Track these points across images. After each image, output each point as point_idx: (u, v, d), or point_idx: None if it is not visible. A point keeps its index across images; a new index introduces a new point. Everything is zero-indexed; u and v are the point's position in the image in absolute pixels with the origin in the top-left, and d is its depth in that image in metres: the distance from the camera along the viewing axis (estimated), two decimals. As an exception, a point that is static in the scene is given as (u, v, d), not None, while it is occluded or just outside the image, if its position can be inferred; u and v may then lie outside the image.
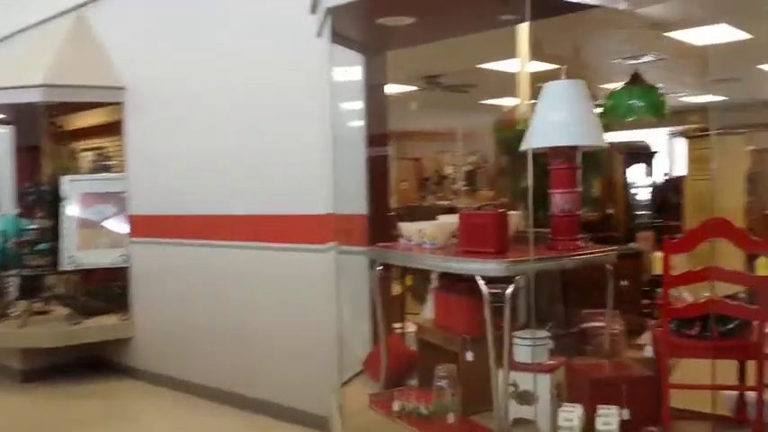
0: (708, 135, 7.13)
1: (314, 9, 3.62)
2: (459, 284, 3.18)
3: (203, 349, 5.13)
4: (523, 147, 2.96)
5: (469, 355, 2.99)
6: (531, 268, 2.61)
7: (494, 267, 2.61)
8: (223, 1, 4.95)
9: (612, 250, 2.94)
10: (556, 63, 5.55)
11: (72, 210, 5.87)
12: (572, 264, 2.76)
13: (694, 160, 7.38)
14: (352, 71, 4.21)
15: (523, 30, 5.19)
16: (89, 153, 7.10)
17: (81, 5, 6.08)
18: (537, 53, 5.17)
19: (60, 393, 5.44)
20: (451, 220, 3.25)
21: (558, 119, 2.86)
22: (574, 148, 2.89)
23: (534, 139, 2.89)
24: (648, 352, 2.84)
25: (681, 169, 8.38)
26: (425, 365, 3.33)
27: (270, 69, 4.57)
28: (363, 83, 4.26)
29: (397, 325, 4.05)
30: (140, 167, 5.71)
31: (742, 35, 6.80)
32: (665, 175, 8.84)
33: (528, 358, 2.77)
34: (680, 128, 8.21)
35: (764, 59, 8.35)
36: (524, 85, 5.40)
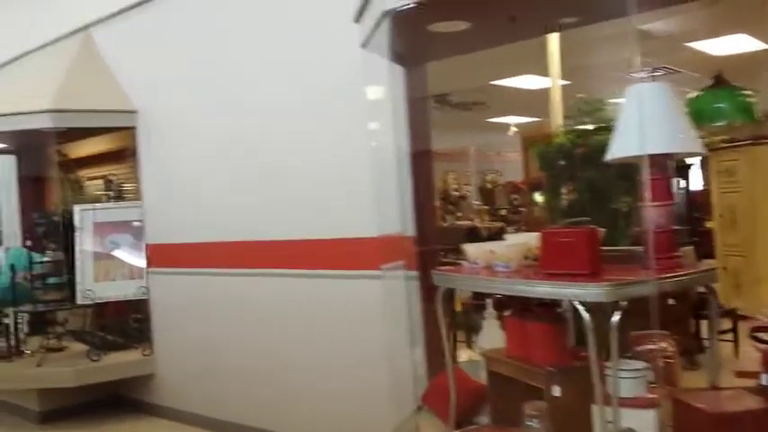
0: (734, 146, 6.90)
1: (359, 17, 3.36)
2: (536, 310, 2.90)
3: (234, 385, 4.79)
4: (610, 156, 2.69)
5: (556, 390, 2.70)
6: (636, 292, 2.33)
7: (595, 292, 2.32)
8: (244, 13, 4.66)
9: (714, 268, 2.68)
10: (564, 79, 5.35)
11: (86, 240, 5.54)
12: (676, 285, 2.48)
13: (721, 172, 7.13)
14: (390, 84, 3.95)
15: (553, 41, 4.97)
16: (95, 181, 6.83)
17: (88, 26, 5.84)
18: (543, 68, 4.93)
19: (80, 434, 5.11)
20: (522, 240, 2.99)
21: (650, 124, 2.58)
22: (667, 156, 2.63)
23: (624, 148, 2.62)
24: (764, 380, 2.55)
25: (702, 182, 8.18)
26: (497, 401, 3.04)
27: (302, 84, 4.29)
28: (405, 96, 4.00)
29: (451, 355, 3.74)
30: (157, 194, 5.44)
31: (759, 45, 6.64)
32: (684, 189, 8.63)
33: (630, 392, 2.49)
34: (702, 140, 7.99)
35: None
36: (556, 99, 5.16)
